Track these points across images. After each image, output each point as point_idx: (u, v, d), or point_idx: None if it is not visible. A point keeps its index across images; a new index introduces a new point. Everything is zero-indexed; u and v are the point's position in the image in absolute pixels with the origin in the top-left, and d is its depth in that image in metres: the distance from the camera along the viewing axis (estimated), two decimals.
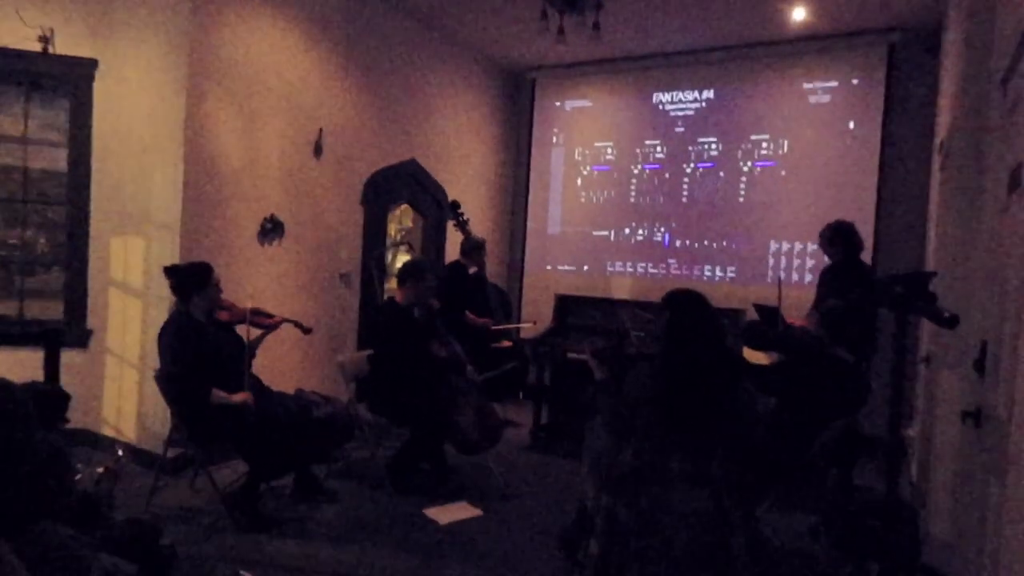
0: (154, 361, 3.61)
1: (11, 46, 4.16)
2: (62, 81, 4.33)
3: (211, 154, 4.24)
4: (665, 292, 2.46)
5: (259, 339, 3.80)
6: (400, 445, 4.16)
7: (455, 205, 5.54)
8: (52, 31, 4.22)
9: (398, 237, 6.23)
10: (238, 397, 3.40)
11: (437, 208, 6.18)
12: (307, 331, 4.03)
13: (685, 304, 2.32)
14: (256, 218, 4.55)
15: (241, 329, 3.67)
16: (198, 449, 3.56)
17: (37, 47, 4.19)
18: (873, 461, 4.87)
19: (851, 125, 5.67)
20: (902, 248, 5.39)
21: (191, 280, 3.49)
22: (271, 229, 4.64)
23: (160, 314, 3.91)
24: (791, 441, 2.99)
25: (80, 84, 4.35)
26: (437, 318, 4.35)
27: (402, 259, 5.90)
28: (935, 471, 3.19)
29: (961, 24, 3.50)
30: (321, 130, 4.96)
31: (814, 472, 3.53)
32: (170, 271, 3.53)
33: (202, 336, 3.45)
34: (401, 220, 6.44)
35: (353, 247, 5.38)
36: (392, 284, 5.16)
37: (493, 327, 5.30)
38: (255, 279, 4.54)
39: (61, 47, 4.26)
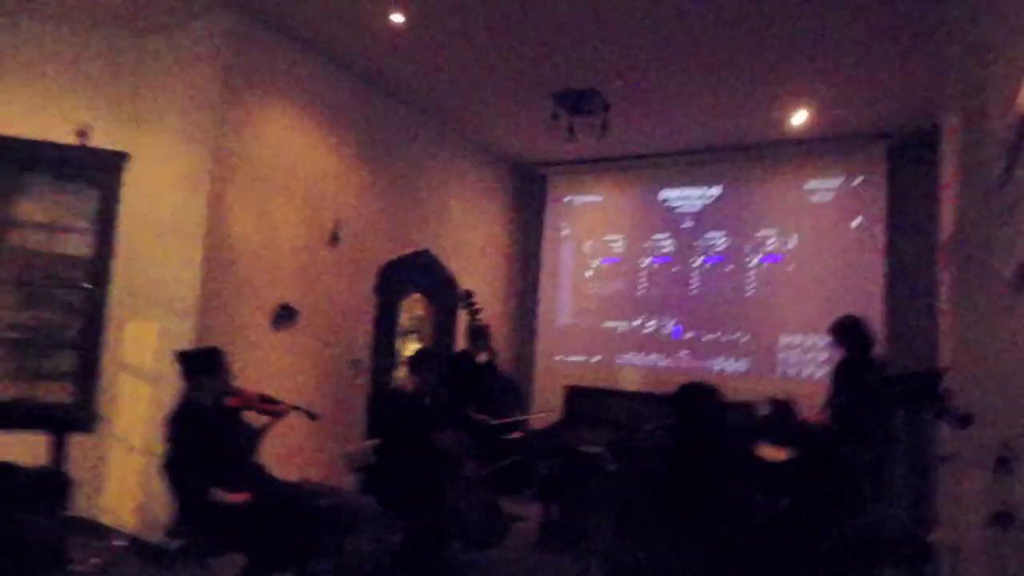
0: (160, 447, 3.57)
1: (47, 138, 4.39)
2: (94, 171, 4.54)
3: (230, 243, 4.37)
4: (676, 384, 2.46)
5: (266, 426, 3.77)
6: (405, 537, 4.03)
7: (468, 294, 5.60)
8: (90, 127, 4.47)
9: (409, 326, 6.28)
10: (238, 497, 3.32)
11: (449, 297, 6.26)
12: (314, 417, 4.01)
13: (693, 397, 2.32)
14: (270, 305, 4.63)
15: (250, 416, 3.65)
16: (196, 539, 3.46)
17: (72, 139, 4.42)
18: (899, 567, 4.66)
19: (856, 222, 5.78)
20: (915, 343, 5.36)
21: (201, 365, 3.51)
22: (284, 316, 4.70)
23: (170, 399, 3.91)
24: (802, 539, 2.88)
25: (111, 175, 4.55)
26: (444, 408, 4.32)
27: (411, 347, 5.93)
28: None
29: (955, 129, 3.64)
30: (337, 220, 5.12)
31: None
32: (181, 356, 3.56)
33: (205, 423, 3.42)
34: (412, 309, 6.50)
35: (364, 335, 5.42)
36: (401, 372, 5.17)
37: (495, 422, 5.22)
38: (266, 365, 4.56)
39: (95, 139, 4.49)
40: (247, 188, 4.48)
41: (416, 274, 5.93)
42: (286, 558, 3.50)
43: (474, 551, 4.06)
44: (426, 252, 5.99)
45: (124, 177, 4.58)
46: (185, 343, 4.01)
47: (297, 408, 3.92)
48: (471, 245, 6.70)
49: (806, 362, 5.84)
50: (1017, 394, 2.25)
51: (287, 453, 4.58)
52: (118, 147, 4.57)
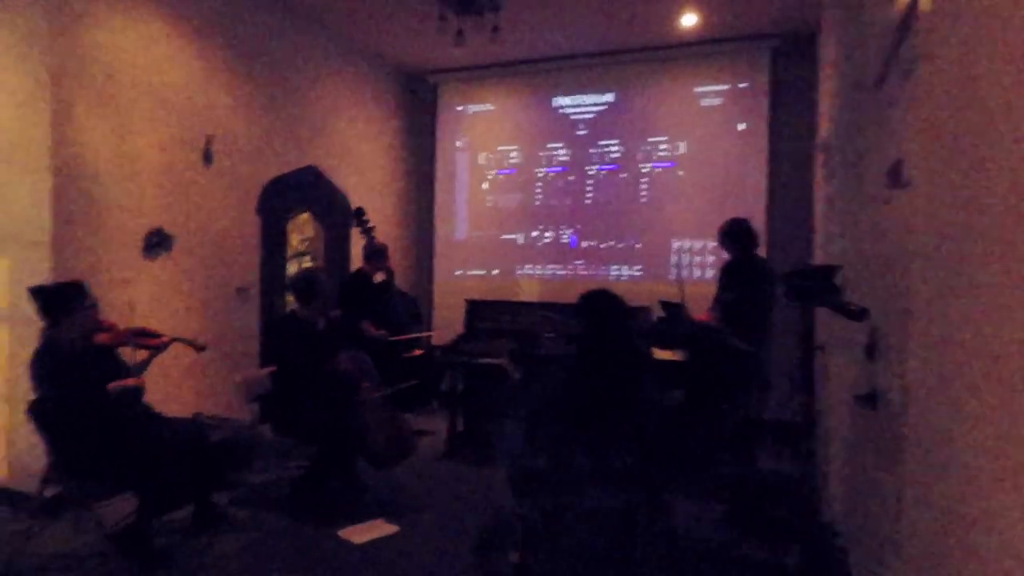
0: (26, 392, 3.26)
1: None
2: None
3: (84, 166, 3.90)
4: (578, 293, 2.45)
5: (145, 362, 3.50)
6: (308, 465, 3.97)
7: (359, 212, 5.37)
8: None
9: (301, 247, 5.99)
10: (130, 381, 3.15)
11: (340, 216, 5.98)
12: (201, 349, 3.76)
13: (599, 304, 2.32)
14: (141, 232, 4.23)
15: (127, 353, 3.38)
16: (79, 485, 3.25)
17: None
18: (781, 443, 5.10)
19: (742, 126, 5.93)
20: (792, 243, 5.68)
21: (59, 301, 3.17)
22: (157, 243, 4.32)
23: (31, 342, 3.54)
24: (697, 431, 3.07)
25: None
26: (340, 329, 4.19)
27: (294, 271, 5.67)
28: (828, 455, 3.35)
29: (836, 29, 3.72)
30: (209, 136, 4.68)
31: (722, 460, 3.64)
32: (36, 292, 3.20)
33: (71, 363, 3.13)
34: (302, 230, 6.19)
35: (250, 259, 5.11)
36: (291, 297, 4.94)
37: (392, 337, 5.15)
38: (141, 298, 4.21)
39: None
40: (100, 104, 3.97)
41: (303, 192, 5.59)
42: (181, 496, 3.36)
43: (381, 470, 4.05)
44: (312, 168, 5.64)
45: None
46: (42, 279, 3.61)
47: (180, 340, 3.67)
48: (361, 160, 6.38)
49: (696, 265, 6.08)
50: (886, 286, 2.40)
51: (175, 389, 4.33)
52: None
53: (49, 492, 3.40)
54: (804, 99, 5.66)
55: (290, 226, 5.60)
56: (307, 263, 5.86)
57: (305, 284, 4.03)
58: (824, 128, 4.64)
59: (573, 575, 2.12)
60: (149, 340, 3.52)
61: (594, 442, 2.25)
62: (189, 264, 4.58)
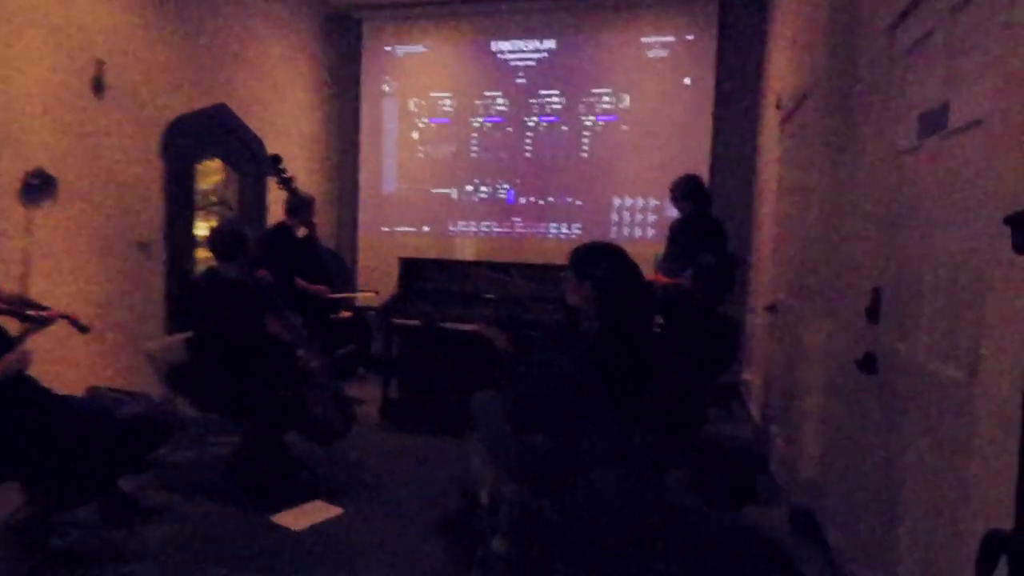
0: None
1: None
2: None
3: None
4: (515, 250, 2.14)
5: (21, 337, 2.89)
6: (239, 442, 3.50)
7: (276, 159, 4.79)
8: None
9: (212, 197, 5.32)
10: (11, 356, 2.59)
11: (255, 163, 5.36)
12: (83, 330, 3.15)
13: (620, 264, 2.03)
14: (15, 173, 3.53)
15: (4, 321, 2.78)
16: None
17: None
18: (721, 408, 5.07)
19: (687, 81, 5.76)
20: (734, 202, 5.60)
21: None
22: (38, 186, 3.62)
23: None
24: (689, 402, 2.90)
25: None
26: (270, 290, 3.72)
27: (209, 225, 5.04)
28: (802, 415, 3.28)
29: None
30: (100, 63, 3.96)
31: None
32: None
33: None
34: (212, 177, 5.51)
35: (154, 209, 4.45)
36: (202, 253, 4.37)
37: (331, 295, 4.70)
38: (15, 255, 3.53)
39: None
40: None
41: (213, 135, 4.94)
42: (84, 487, 2.84)
43: (325, 446, 3.67)
44: (223, 107, 4.98)
45: None
46: None
47: (65, 317, 3.06)
48: (278, 102, 5.73)
49: (637, 224, 5.92)
50: (901, 243, 2.25)
51: (64, 361, 3.71)
52: None
53: None
54: (753, 54, 5.53)
55: (198, 171, 4.93)
56: (217, 216, 5.21)
57: (230, 237, 3.49)
58: (780, 83, 4.51)
59: (589, 566, 1.87)
60: (34, 311, 2.93)
61: (612, 421, 1.98)
62: (79, 214, 3.91)
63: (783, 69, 4.48)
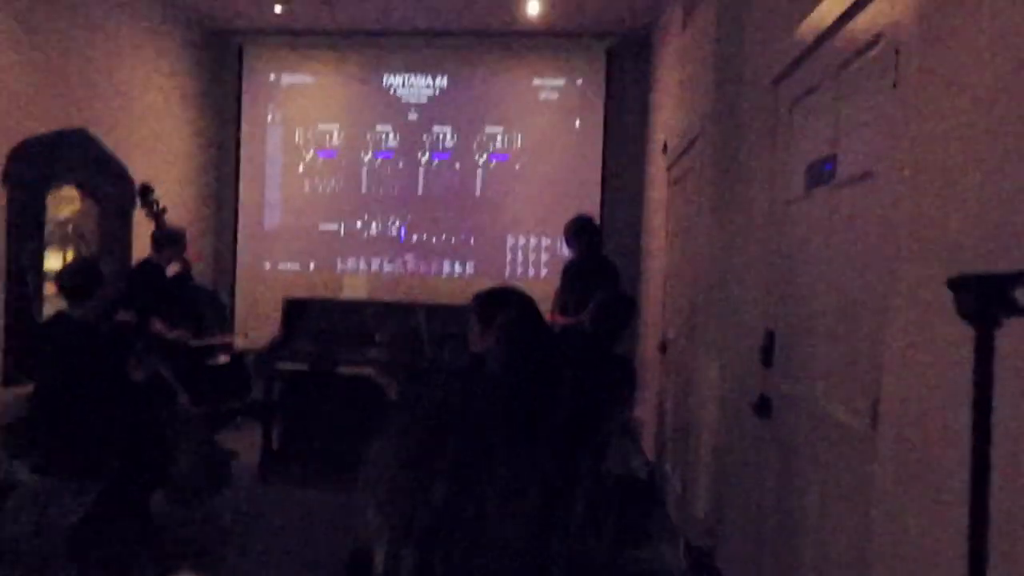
0: None
1: None
2: None
3: None
4: (408, 290, 2.03)
5: None
6: (87, 507, 3.05)
7: (146, 189, 4.39)
8: None
9: (69, 229, 4.75)
10: None
11: (119, 192, 4.87)
12: None
13: (524, 307, 1.94)
14: None
15: None
16: None
17: None
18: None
19: (577, 123, 5.89)
20: (624, 242, 5.74)
21: None
22: None
23: None
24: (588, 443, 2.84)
25: None
26: (132, 335, 3.34)
27: (61, 261, 4.51)
28: (697, 455, 3.32)
29: (697, 32, 3.70)
30: None
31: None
32: None
33: None
34: (67, 207, 4.94)
35: None
36: (51, 290, 3.88)
37: (194, 342, 4.29)
38: None
39: None
40: None
41: (68, 160, 4.43)
42: None
43: (187, 506, 3.28)
44: (81, 131, 4.50)
45: None
46: None
47: None
48: (149, 127, 5.28)
49: (531, 263, 5.92)
50: (790, 289, 2.32)
51: None
52: None
53: None
54: (638, 101, 5.75)
55: (49, 200, 4.41)
56: (72, 251, 4.67)
57: (81, 277, 3.11)
58: (668, 128, 4.69)
59: None
60: None
61: (512, 464, 1.87)
62: None
63: (669, 115, 4.66)
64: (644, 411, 5.13)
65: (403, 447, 2.08)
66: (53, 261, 4.42)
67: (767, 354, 2.44)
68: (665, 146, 4.60)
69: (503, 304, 1.97)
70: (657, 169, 4.99)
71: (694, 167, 3.56)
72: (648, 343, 5.17)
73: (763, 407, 2.42)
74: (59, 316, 3.16)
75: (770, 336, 2.43)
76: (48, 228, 4.46)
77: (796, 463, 2.18)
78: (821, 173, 2.01)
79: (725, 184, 3.03)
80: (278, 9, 4.84)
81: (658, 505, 3.87)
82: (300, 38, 5.99)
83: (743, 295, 2.75)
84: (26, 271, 3.80)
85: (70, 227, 4.79)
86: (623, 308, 3.27)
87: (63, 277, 3.15)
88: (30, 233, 4.13)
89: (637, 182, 5.77)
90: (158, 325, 4.03)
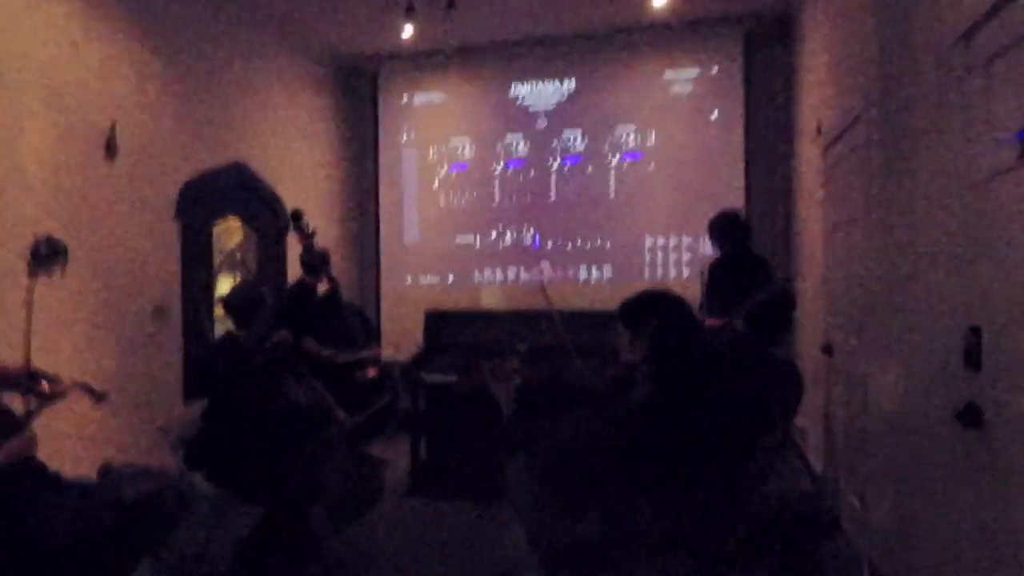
0: None
1: None
2: None
3: None
4: (625, 301, 1.88)
5: (32, 412, 2.69)
6: (253, 524, 3.22)
7: (297, 214, 4.63)
8: None
9: (236, 257, 5.15)
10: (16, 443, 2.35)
11: (273, 220, 5.22)
12: (100, 398, 2.92)
13: (675, 311, 1.77)
14: (24, 241, 3.38)
15: (12, 399, 2.57)
16: None
17: None
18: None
19: (714, 115, 5.55)
20: (774, 237, 5.32)
21: None
22: (48, 255, 3.47)
23: None
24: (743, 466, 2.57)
25: None
26: (290, 353, 3.49)
27: (226, 285, 4.86)
28: (878, 468, 2.94)
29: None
30: (114, 124, 3.86)
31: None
32: None
33: None
34: (231, 237, 5.36)
35: (169, 273, 4.29)
36: (220, 313, 4.17)
37: (341, 359, 4.43)
38: (22, 324, 3.35)
39: None
40: None
41: (230, 193, 4.81)
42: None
43: (345, 521, 3.38)
44: (239, 166, 4.86)
45: None
46: None
47: (81, 386, 2.85)
48: (294, 157, 5.63)
49: (672, 264, 5.65)
50: (995, 277, 1.97)
51: (79, 438, 3.49)
52: None
53: None
54: (782, 83, 5.32)
55: (214, 232, 4.79)
56: (234, 276, 5.05)
57: (244, 301, 3.30)
58: (817, 112, 4.28)
59: None
60: (47, 386, 2.71)
61: (673, 503, 1.69)
62: (91, 280, 3.74)
63: (821, 96, 4.25)
64: (806, 420, 4.70)
65: (553, 475, 1.97)
66: (223, 287, 4.80)
67: (973, 355, 2.08)
68: (820, 128, 4.19)
69: (653, 309, 1.79)
70: (809, 157, 4.57)
71: (857, 148, 3.19)
72: (806, 346, 4.73)
73: (971, 416, 2.06)
74: (226, 338, 3.37)
75: (976, 334, 2.07)
76: (218, 258, 4.85)
77: (1016, 480, 1.83)
78: None
79: (899, 163, 2.66)
80: (407, 32, 4.96)
81: (832, 530, 3.47)
82: (429, 58, 6.14)
83: (934, 289, 2.38)
84: (199, 298, 4.11)
85: (237, 255, 5.18)
86: (783, 304, 2.96)
87: (228, 303, 3.36)
88: (201, 262, 4.50)
89: (785, 173, 5.34)
90: (309, 344, 4.22)
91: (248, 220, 5.07)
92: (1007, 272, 1.90)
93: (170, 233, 4.30)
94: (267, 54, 5.31)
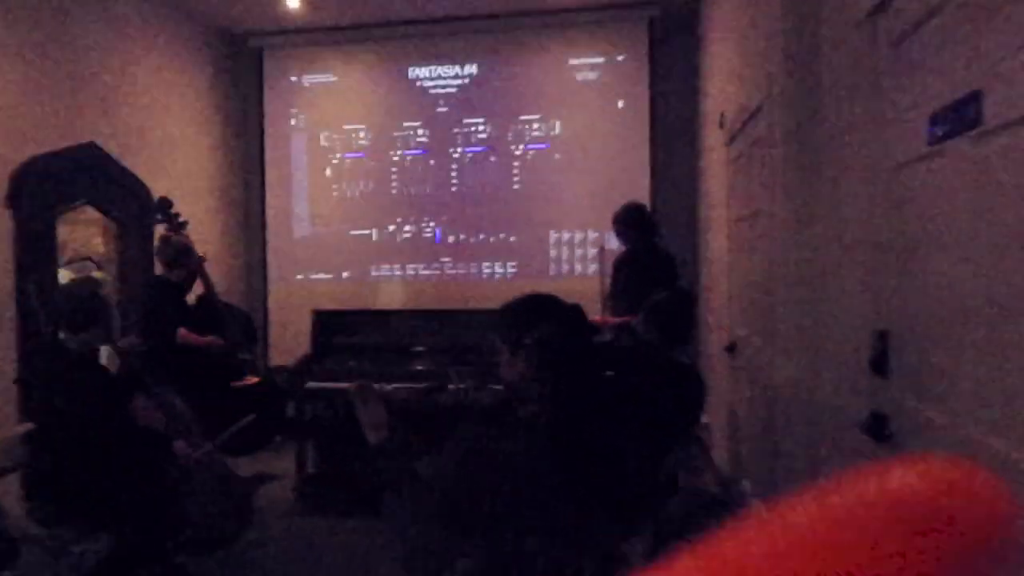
0: None
1: None
2: None
3: None
4: (502, 308, 1.59)
5: None
6: (99, 558, 2.76)
7: (164, 203, 4.13)
8: None
9: (82, 252, 4.52)
10: None
11: (136, 209, 4.64)
12: None
13: (561, 320, 1.50)
14: None
15: None
16: None
17: None
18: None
19: (620, 104, 5.39)
20: (679, 231, 5.22)
21: None
22: None
23: None
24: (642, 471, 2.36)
25: None
26: (140, 362, 3.03)
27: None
28: (784, 475, 2.81)
29: None
30: None
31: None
32: None
33: None
34: (84, 229, 4.72)
35: (1, 269, 3.68)
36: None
37: (231, 350, 3.98)
38: None
39: None
40: None
41: (80, 178, 4.21)
42: None
43: (209, 551, 2.96)
44: (92, 146, 4.26)
45: None
46: None
47: None
48: (167, 138, 5.05)
49: (577, 259, 5.46)
50: (910, 274, 1.81)
51: None
52: None
53: None
54: (688, 74, 5.21)
55: (60, 222, 4.17)
56: (93, 273, 4.43)
57: (77, 303, 2.81)
58: (725, 99, 4.16)
59: None
60: None
61: (564, 517, 1.43)
62: None
63: (725, 86, 4.13)
64: (711, 417, 4.61)
65: (425, 502, 1.67)
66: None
67: (880, 361, 1.93)
68: (723, 119, 4.07)
69: (534, 319, 1.51)
70: (714, 148, 4.46)
71: (762, 138, 3.04)
72: (711, 344, 4.65)
73: (877, 427, 1.91)
74: (54, 345, 2.86)
75: (882, 338, 1.92)
76: (66, 253, 4.24)
77: None
78: (958, 119, 1.50)
79: (805, 153, 2.51)
80: (294, 3, 4.51)
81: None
82: (320, 35, 5.67)
83: (840, 287, 2.23)
84: (36, 302, 3.53)
85: (86, 249, 4.56)
86: (679, 305, 2.78)
87: (60, 303, 2.86)
88: (42, 259, 3.90)
89: (691, 165, 5.25)
90: (185, 334, 3.72)
91: (103, 208, 4.47)
92: (917, 269, 1.75)
93: (3, 223, 3.69)
94: (135, 21, 4.71)
